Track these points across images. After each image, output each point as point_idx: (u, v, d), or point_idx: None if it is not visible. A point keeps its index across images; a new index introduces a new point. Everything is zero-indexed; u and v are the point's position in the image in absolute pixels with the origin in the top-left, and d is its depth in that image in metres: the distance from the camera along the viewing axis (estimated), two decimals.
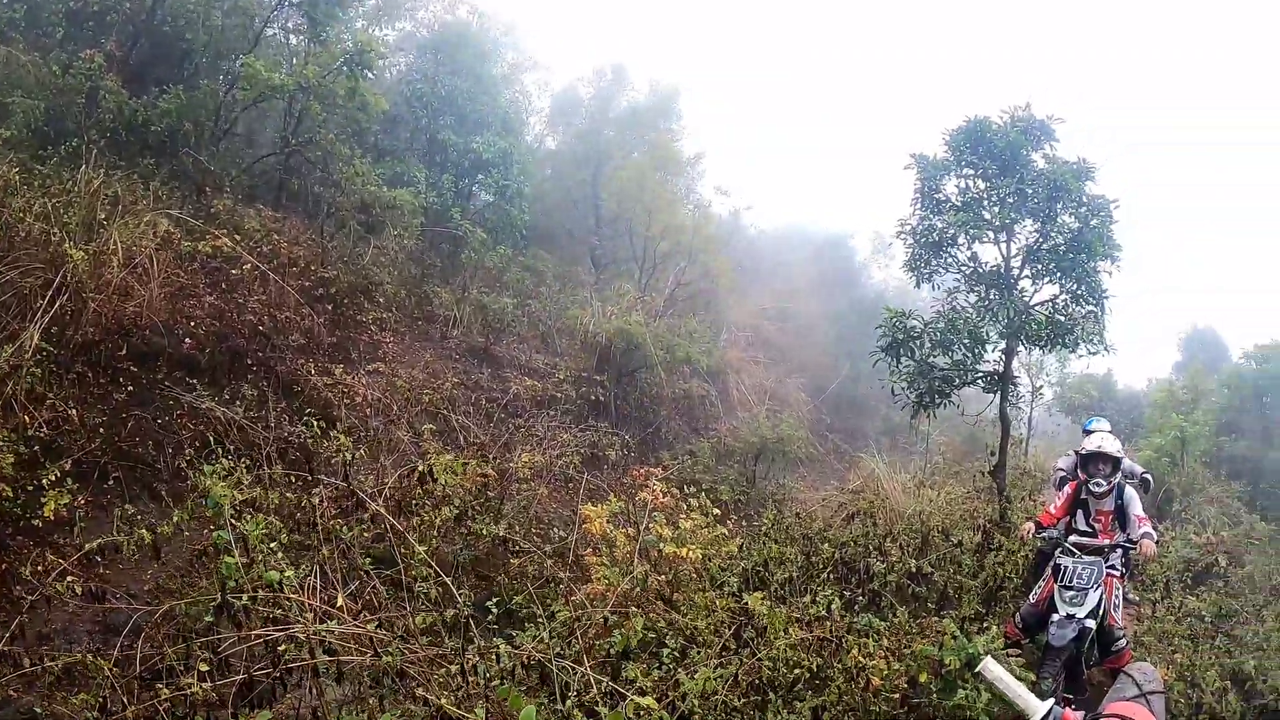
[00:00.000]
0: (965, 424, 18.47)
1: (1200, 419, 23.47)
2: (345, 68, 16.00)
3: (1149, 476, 11.21)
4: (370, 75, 17.40)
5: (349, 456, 8.56)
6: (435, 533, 8.06)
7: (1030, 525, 8.21)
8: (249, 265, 12.29)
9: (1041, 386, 23.94)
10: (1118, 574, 8.02)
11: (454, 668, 5.24)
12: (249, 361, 11.47)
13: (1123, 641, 7.77)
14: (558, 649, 5.70)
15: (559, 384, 17.19)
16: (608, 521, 7.95)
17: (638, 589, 7.07)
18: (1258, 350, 28.60)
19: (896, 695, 6.18)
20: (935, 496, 13.65)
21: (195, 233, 12.13)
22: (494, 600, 6.40)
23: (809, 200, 75.23)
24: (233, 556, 5.45)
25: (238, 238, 12.62)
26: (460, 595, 5.95)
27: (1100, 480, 8.02)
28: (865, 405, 27.60)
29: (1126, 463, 10.47)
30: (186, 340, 10.80)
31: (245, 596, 5.29)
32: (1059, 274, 12.03)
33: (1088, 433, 10.57)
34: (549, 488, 11.44)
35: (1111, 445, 8.09)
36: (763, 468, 18.85)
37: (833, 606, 7.16)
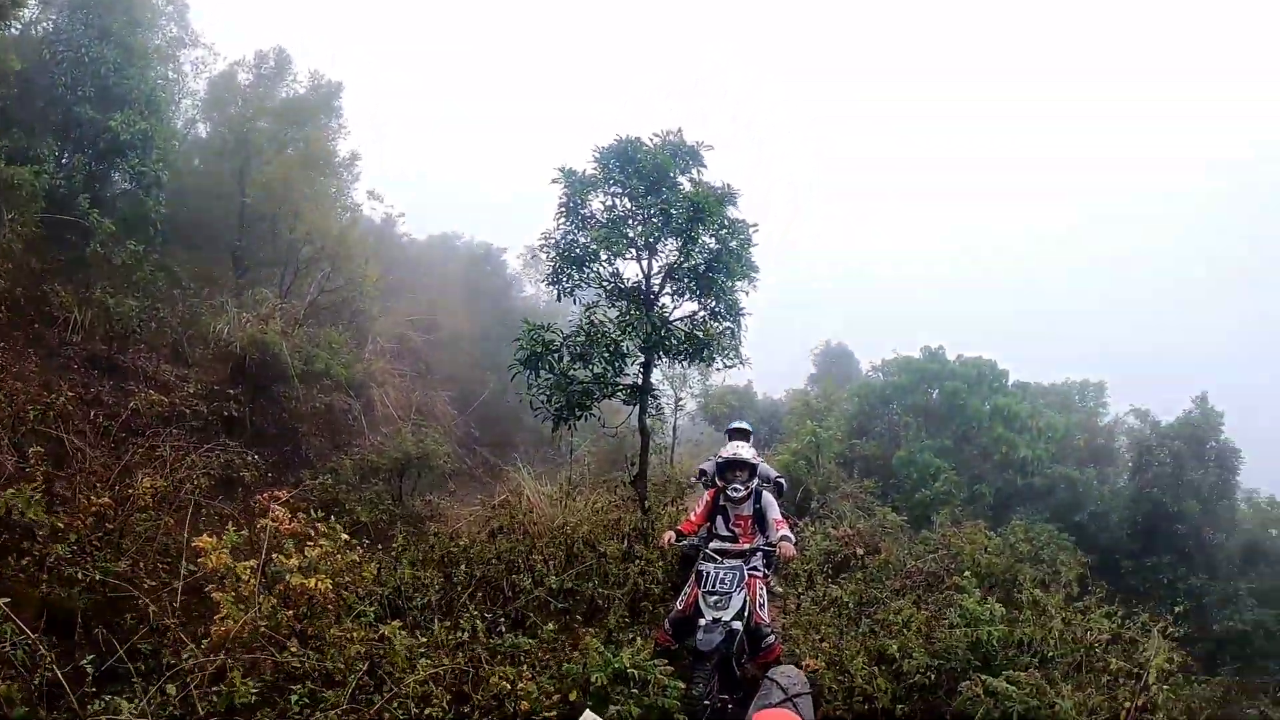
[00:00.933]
0: (611, 434, 19.03)
1: (833, 425, 25.76)
2: None
3: (782, 480, 11.65)
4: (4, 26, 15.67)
5: None
6: (45, 575, 7.21)
7: (670, 534, 8.35)
8: None
9: (684, 399, 25.08)
10: (760, 575, 8.15)
11: None
12: None
13: (771, 637, 7.96)
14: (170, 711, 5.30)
15: (189, 398, 15.96)
16: (229, 553, 7.43)
17: (263, 626, 6.59)
18: (883, 364, 31.87)
19: (553, 715, 6.19)
20: (582, 506, 13.89)
21: None
22: (89, 659, 5.76)
23: (467, 209, 75.32)
24: None
25: None
26: (45, 653, 5.41)
27: (738, 486, 8.35)
28: (514, 417, 27.63)
29: (763, 467, 10.95)
30: None
31: None
32: (699, 292, 12.68)
33: (730, 432, 11.49)
34: (175, 516, 10.71)
35: (747, 453, 8.48)
36: (409, 484, 18.57)
37: (477, 629, 7.15)
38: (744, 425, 11.68)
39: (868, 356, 39.69)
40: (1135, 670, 8.22)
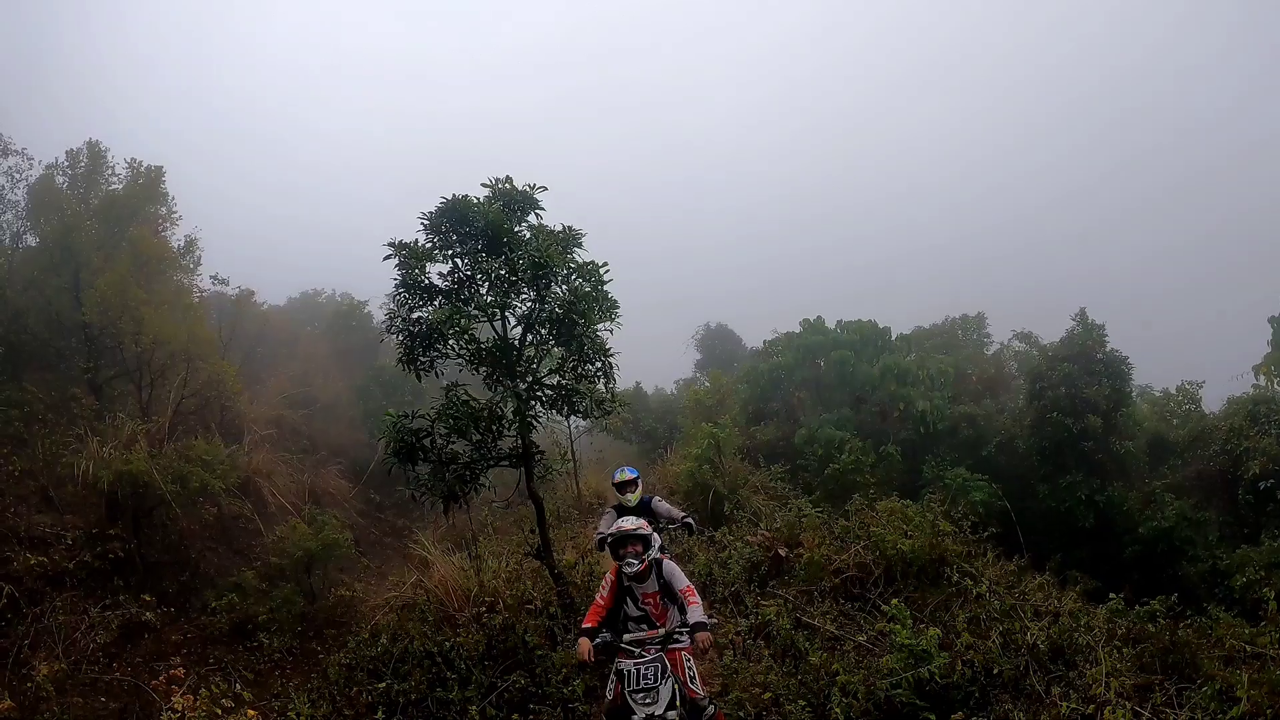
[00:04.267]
0: (502, 505, 19.19)
1: (728, 421, 25.73)
2: None
3: (691, 520, 11.28)
4: None
5: None
6: None
7: (585, 645, 7.61)
8: None
9: (568, 450, 24.94)
10: (684, 645, 7.69)
11: None
12: None
13: (711, 708, 7.84)
14: None
15: (70, 550, 15.66)
16: None
17: None
18: (766, 345, 32.31)
19: None
20: (492, 574, 13.96)
21: None
22: None
23: (324, 263, 73.87)
24: None
25: None
26: None
27: (632, 560, 7.83)
28: (411, 473, 27.51)
29: (664, 508, 11.20)
30: None
31: None
32: (561, 340, 12.54)
33: (616, 485, 11.31)
34: (84, 697, 10.56)
35: (630, 523, 7.97)
36: (318, 577, 18.49)
37: None
38: (628, 475, 11.34)
39: (753, 333, 40.21)
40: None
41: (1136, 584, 17.89)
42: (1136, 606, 10.10)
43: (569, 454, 24.04)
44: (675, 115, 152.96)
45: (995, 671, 8.67)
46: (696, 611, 7.59)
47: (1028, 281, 73.41)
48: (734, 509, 19.54)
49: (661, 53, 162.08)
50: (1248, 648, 8.53)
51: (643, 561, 7.85)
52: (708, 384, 32.71)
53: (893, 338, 31.05)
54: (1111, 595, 10.91)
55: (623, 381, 14.13)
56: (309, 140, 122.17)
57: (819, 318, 31.56)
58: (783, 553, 13.70)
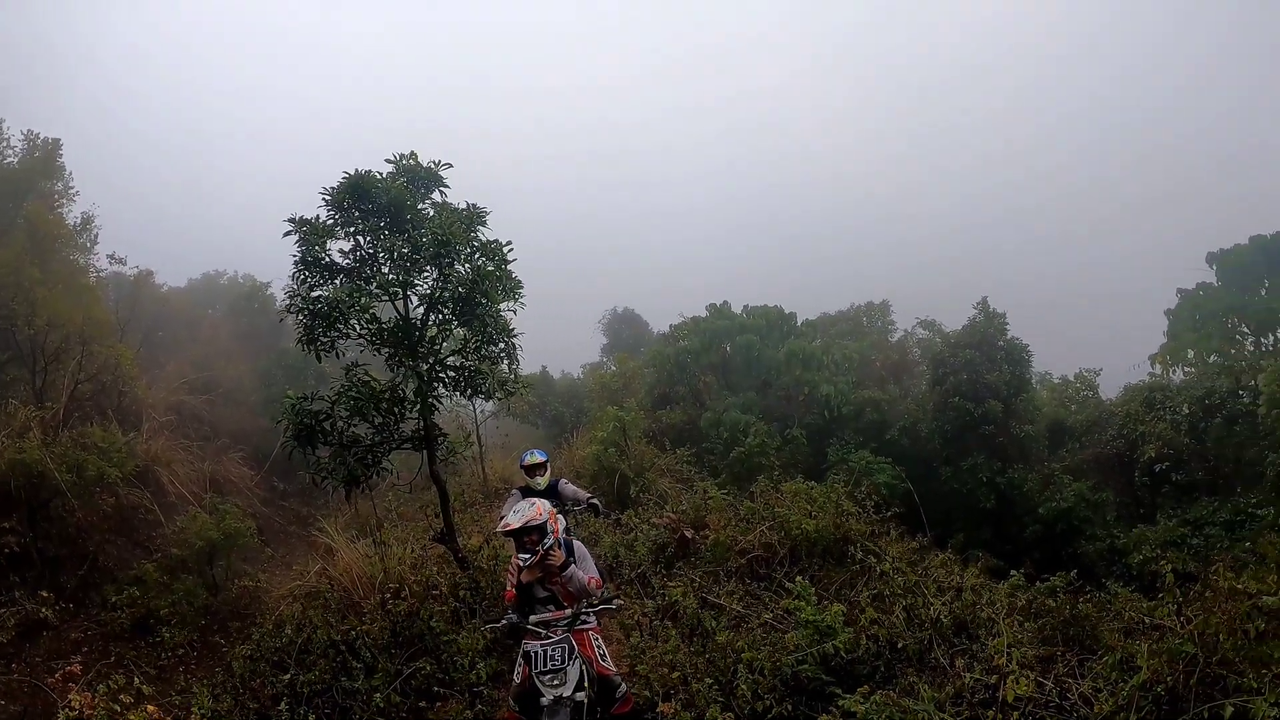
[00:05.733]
0: (406, 488, 19.23)
1: (633, 405, 26.06)
2: None
3: (597, 501, 11.39)
4: None
5: None
6: None
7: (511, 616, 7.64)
8: None
9: (473, 433, 24.86)
10: (592, 625, 7.79)
11: None
12: None
13: (623, 686, 7.87)
14: None
15: None
16: None
17: None
18: (672, 329, 32.53)
19: None
20: (397, 559, 13.77)
21: None
22: None
23: (228, 242, 72.03)
24: None
25: None
26: None
27: (525, 555, 7.60)
28: (312, 456, 27.16)
29: (571, 490, 11.37)
30: None
31: None
32: (463, 320, 12.46)
33: (525, 468, 11.30)
34: None
35: (525, 515, 7.57)
36: (221, 568, 18.27)
37: None
38: (538, 458, 11.35)
39: (661, 318, 40.49)
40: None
41: (1037, 562, 18.73)
42: (1037, 583, 10.46)
43: (474, 437, 23.93)
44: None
45: (900, 645, 8.84)
46: (595, 588, 7.71)
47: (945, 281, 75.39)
48: (640, 492, 19.59)
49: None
50: (1146, 620, 8.85)
51: (537, 552, 7.58)
52: (614, 368, 32.91)
53: (799, 323, 31.62)
54: (1013, 572, 11.20)
55: (529, 365, 14.11)
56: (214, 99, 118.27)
57: (725, 303, 32.07)
58: (689, 534, 13.80)
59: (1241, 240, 32.10)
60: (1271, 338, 28.54)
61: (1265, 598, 7.32)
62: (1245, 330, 30.01)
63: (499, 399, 13.38)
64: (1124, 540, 20.92)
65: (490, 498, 21.49)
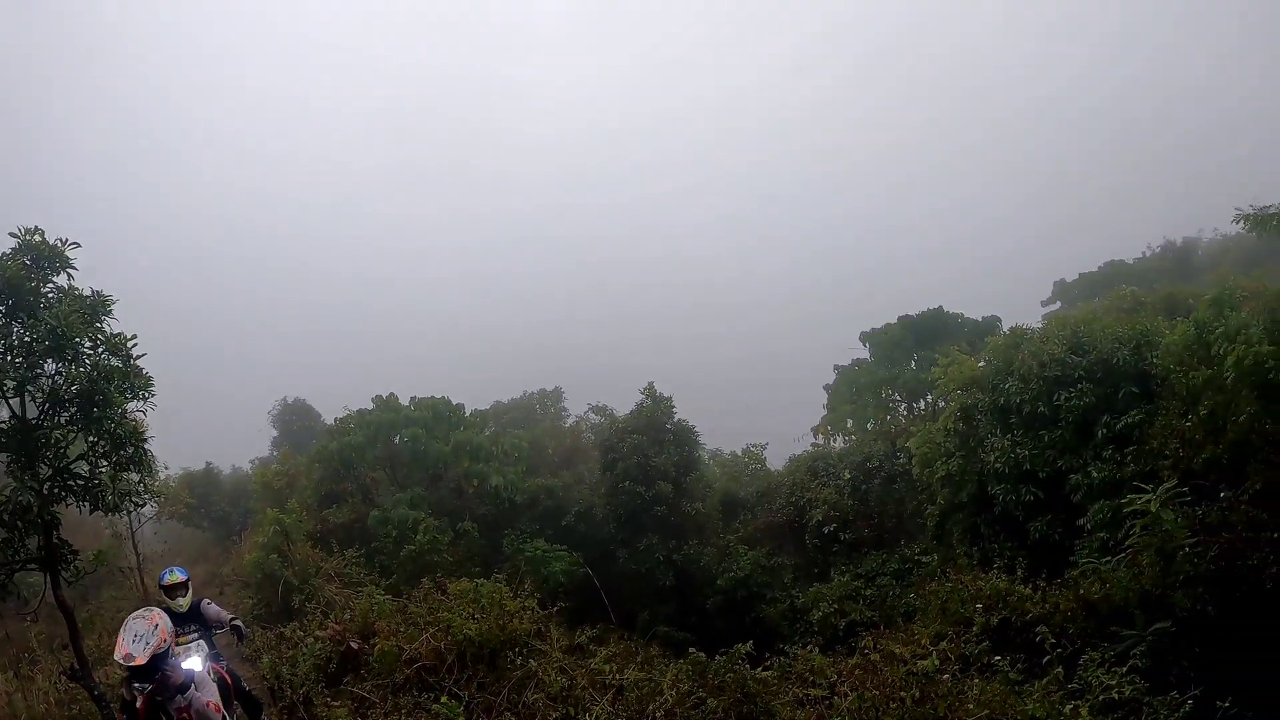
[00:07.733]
0: (29, 617, 17.17)
1: (295, 505, 25.36)
2: None
3: (239, 623, 10.72)
4: None
5: None
6: None
7: None
8: None
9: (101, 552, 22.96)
10: None
11: None
12: None
13: None
14: None
15: None
16: None
17: None
18: (337, 422, 31.33)
19: None
20: (46, 688, 12.87)
21: None
22: None
23: None
24: None
25: None
26: None
27: (138, 688, 6.97)
28: None
29: (214, 611, 10.48)
30: None
31: None
32: (87, 422, 11.34)
33: (163, 587, 10.38)
34: None
35: (152, 644, 6.64)
36: None
37: None
38: (178, 577, 10.51)
39: (333, 409, 39.46)
40: None
41: (722, 631, 19.14)
42: (717, 657, 10.53)
43: (133, 546, 22.16)
44: None
45: None
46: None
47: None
48: (305, 600, 18.90)
49: None
50: (822, 682, 9.03)
51: (154, 682, 6.77)
52: (277, 465, 31.53)
53: (468, 414, 31.40)
54: (691, 650, 11.20)
55: (193, 460, 13.13)
56: None
57: (391, 394, 31.53)
58: (355, 645, 13.24)
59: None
60: (921, 403, 30.91)
61: (919, 662, 7.66)
62: (898, 398, 32.53)
63: (128, 511, 12.13)
64: (803, 599, 22.16)
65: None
